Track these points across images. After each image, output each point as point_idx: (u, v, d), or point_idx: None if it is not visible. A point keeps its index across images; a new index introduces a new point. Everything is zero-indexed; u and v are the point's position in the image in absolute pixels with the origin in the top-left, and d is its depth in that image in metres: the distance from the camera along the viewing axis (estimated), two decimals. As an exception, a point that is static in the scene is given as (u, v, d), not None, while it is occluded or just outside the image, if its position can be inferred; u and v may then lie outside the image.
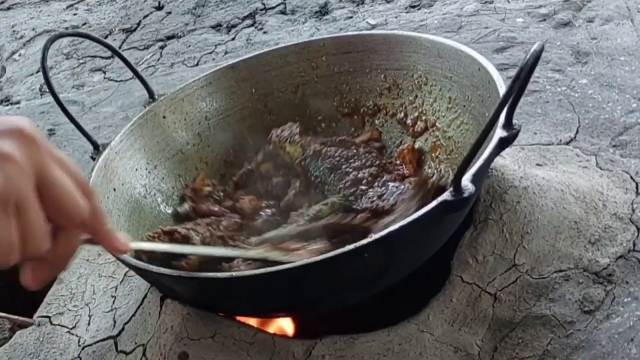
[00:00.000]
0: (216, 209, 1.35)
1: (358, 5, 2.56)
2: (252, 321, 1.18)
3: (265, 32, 2.59)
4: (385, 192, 1.25)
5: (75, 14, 3.40)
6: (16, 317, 1.43)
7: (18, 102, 2.60)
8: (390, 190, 1.25)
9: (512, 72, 1.65)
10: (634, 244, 1.15)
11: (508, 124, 0.96)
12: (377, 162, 1.35)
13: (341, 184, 1.31)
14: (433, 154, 1.36)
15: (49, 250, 0.63)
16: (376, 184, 1.29)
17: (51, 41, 1.26)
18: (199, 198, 1.39)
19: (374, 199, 1.24)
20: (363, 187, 1.28)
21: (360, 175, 1.31)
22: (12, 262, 0.60)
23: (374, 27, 2.32)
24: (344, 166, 1.34)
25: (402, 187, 1.24)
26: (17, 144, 0.57)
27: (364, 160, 1.35)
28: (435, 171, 1.34)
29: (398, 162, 1.36)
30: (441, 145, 1.35)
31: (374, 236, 0.90)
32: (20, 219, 0.58)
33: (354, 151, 1.38)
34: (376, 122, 1.49)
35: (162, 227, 1.24)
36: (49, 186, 0.60)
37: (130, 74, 2.40)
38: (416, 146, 1.39)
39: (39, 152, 0.59)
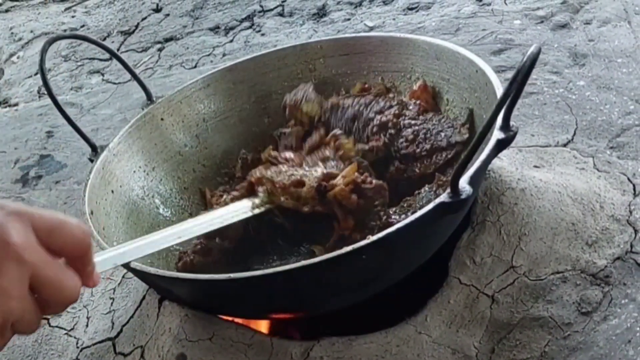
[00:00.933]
0: None
1: (356, 7, 2.57)
2: (250, 323, 1.18)
3: (263, 34, 2.59)
4: (418, 135, 1.28)
5: (73, 17, 3.40)
6: (14, 319, 1.42)
7: (16, 104, 2.60)
8: (420, 133, 1.28)
9: (510, 74, 1.65)
10: (631, 246, 1.16)
11: (505, 126, 0.96)
12: (395, 101, 1.35)
13: (368, 130, 1.31)
14: None
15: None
16: (402, 125, 1.30)
17: (49, 43, 1.26)
18: None
19: (408, 144, 1.27)
20: (392, 131, 1.30)
21: (384, 118, 1.31)
22: None
23: (371, 29, 2.33)
24: (365, 112, 1.34)
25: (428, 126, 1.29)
26: (8, 272, 0.58)
27: (382, 104, 1.35)
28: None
29: (413, 101, 1.36)
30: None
31: (372, 238, 0.90)
32: (14, 326, 0.61)
33: (370, 97, 1.38)
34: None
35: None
36: (42, 287, 0.62)
37: (128, 76, 2.40)
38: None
39: (29, 259, 0.60)
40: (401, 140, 1.28)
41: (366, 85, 1.45)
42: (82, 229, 0.65)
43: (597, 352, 1.04)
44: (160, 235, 1.03)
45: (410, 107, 1.34)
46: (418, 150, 1.25)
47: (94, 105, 2.36)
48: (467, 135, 1.25)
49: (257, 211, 1.19)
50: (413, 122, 1.30)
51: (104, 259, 0.84)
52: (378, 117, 1.33)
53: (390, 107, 1.34)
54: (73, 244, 0.64)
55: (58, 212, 0.66)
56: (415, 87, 1.38)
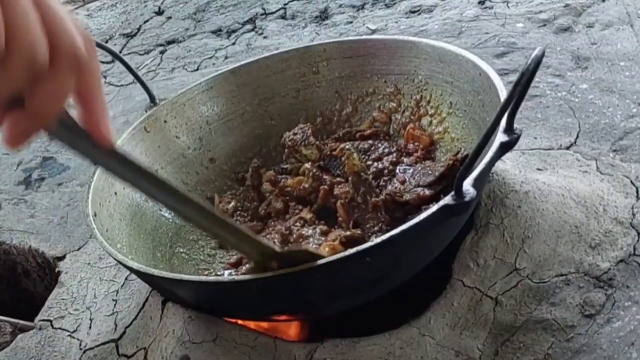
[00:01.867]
0: (255, 223, 1.36)
1: (358, 10, 2.57)
2: (254, 325, 1.18)
3: (265, 37, 2.59)
4: (408, 176, 1.28)
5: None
6: (17, 320, 1.43)
7: (19, 107, 2.60)
8: (411, 173, 1.29)
9: (513, 77, 1.66)
10: (635, 249, 1.16)
11: (509, 129, 0.96)
12: (395, 147, 1.36)
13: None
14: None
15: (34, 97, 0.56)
16: (398, 170, 1.31)
17: (53, 46, 1.26)
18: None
19: (396, 184, 1.27)
20: (386, 178, 1.31)
21: (381, 165, 1.32)
22: None
23: (374, 32, 2.33)
24: (363, 160, 1.35)
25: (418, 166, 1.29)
26: None
27: (381, 149, 1.36)
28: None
29: (410, 144, 1.37)
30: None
31: (375, 240, 0.90)
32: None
33: (370, 142, 1.39)
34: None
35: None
36: (47, 11, 0.55)
37: (130, 78, 2.41)
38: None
39: None
40: (391, 186, 1.28)
41: (374, 124, 1.48)
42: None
43: (601, 354, 1.04)
44: None
45: (411, 152, 1.35)
46: (403, 187, 1.27)
47: (97, 108, 2.36)
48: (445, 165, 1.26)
49: None
50: (409, 168, 1.31)
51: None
52: (375, 164, 1.34)
53: (390, 153, 1.35)
54: (84, 30, 0.59)
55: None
56: (407, 129, 1.40)
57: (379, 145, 1.38)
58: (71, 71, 0.57)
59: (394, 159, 1.33)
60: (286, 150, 1.43)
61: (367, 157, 1.36)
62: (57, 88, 0.56)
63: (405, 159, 1.34)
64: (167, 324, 1.15)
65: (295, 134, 1.43)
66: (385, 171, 1.31)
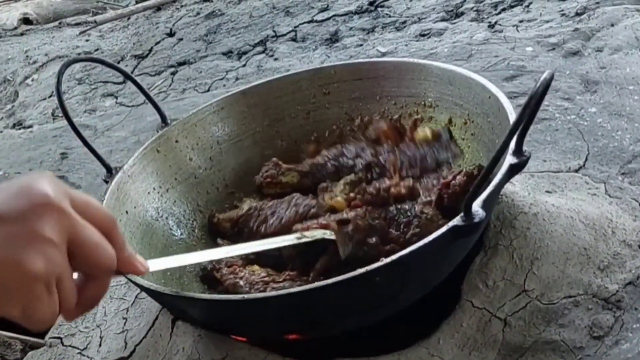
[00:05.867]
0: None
1: (368, 33, 2.59)
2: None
3: (276, 59, 2.61)
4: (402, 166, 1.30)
5: (87, 40, 3.44)
6: (28, 337, 1.43)
7: (30, 126, 2.62)
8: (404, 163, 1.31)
9: (522, 100, 1.67)
10: (643, 271, 1.16)
11: (518, 151, 0.97)
12: (363, 143, 1.39)
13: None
14: None
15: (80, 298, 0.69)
16: (383, 161, 1.33)
17: (66, 66, 1.27)
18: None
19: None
20: (377, 169, 1.34)
21: (363, 162, 1.35)
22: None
23: (384, 54, 2.34)
24: (343, 162, 1.39)
25: None
26: (50, 222, 0.62)
27: (353, 150, 1.38)
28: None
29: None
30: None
31: (385, 260, 0.91)
32: (58, 290, 0.64)
33: (339, 148, 1.41)
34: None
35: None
36: (80, 248, 0.65)
37: (141, 99, 2.43)
38: None
39: (68, 221, 0.64)
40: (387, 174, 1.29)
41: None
42: (105, 208, 0.72)
43: (609, 376, 1.05)
44: (208, 252, 1.08)
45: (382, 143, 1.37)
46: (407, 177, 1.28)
47: (108, 128, 2.38)
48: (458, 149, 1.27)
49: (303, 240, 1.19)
50: (392, 156, 1.31)
51: (156, 261, 0.89)
52: (358, 160, 1.35)
53: (362, 149, 1.36)
54: (103, 217, 0.69)
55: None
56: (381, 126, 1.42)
57: (350, 147, 1.40)
58: (108, 276, 0.72)
59: (373, 152, 1.35)
60: (264, 187, 1.45)
61: (346, 160, 1.38)
62: (100, 291, 0.72)
63: (380, 148, 1.35)
64: (177, 342, 1.16)
65: (267, 171, 1.44)
66: (372, 164, 1.34)
